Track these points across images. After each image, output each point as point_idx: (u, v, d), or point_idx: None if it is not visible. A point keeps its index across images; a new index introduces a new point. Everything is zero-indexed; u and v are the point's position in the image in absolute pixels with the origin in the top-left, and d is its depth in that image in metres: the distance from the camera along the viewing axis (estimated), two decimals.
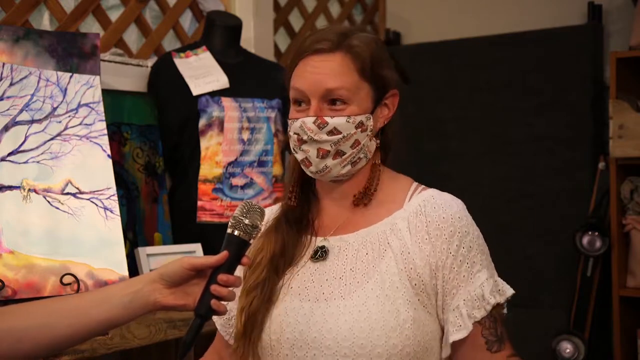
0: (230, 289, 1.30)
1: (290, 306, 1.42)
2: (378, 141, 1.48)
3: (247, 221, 1.30)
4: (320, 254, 1.45)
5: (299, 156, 1.44)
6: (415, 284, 1.38)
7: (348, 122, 1.41)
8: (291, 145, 1.46)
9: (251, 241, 1.32)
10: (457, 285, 1.39)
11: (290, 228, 1.49)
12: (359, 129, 1.42)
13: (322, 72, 1.41)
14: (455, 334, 1.38)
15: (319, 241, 1.48)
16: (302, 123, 1.41)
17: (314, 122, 1.40)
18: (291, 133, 1.44)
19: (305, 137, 1.41)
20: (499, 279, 1.45)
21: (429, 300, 1.39)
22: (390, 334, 1.35)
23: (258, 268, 1.46)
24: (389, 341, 1.34)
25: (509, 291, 1.43)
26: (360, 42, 1.43)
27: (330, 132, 1.40)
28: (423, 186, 1.50)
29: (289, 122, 1.46)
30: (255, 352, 1.43)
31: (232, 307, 1.50)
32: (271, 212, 1.54)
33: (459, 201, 1.46)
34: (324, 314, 1.38)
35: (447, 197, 1.46)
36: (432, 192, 1.47)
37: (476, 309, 1.38)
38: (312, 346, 1.37)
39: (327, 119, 1.40)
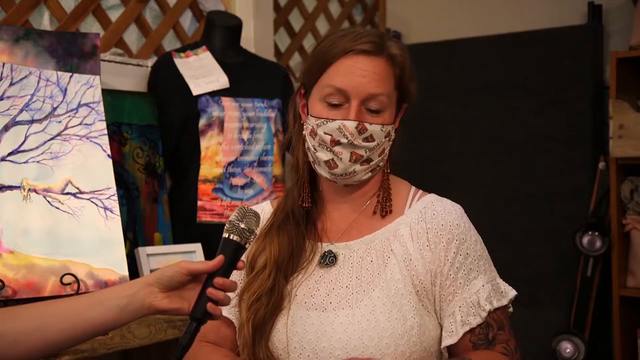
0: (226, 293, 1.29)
1: (297, 315, 1.41)
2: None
3: (243, 225, 1.30)
4: (330, 259, 1.44)
5: (325, 156, 1.41)
6: (419, 290, 1.39)
7: (382, 130, 1.41)
8: (314, 143, 1.42)
9: (247, 245, 1.32)
10: (453, 292, 1.40)
11: (298, 231, 1.47)
12: (387, 139, 1.42)
13: (368, 75, 1.39)
14: (447, 340, 1.40)
15: (324, 246, 1.46)
16: (342, 125, 1.38)
17: (356, 127, 1.38)
18: (321, 132, 1.41)
19: (343, 140, 1.39)
20: (501, 280, 1.44)
21: (431, 306, 1.40)
22: (399, 341, 1.35)
23: (262, 272, 1.44)
24: (397, 348, 1.35)
25: (511, 292, 1.44)
26: (400, 52, 1.43)
27: (366, 139, 1.39)
28: (422, 191, 1.50)
29: (317, 120, 1.41)
30: None
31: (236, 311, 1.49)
32: (262, 211, 1.52)
33: (458, 206, 1.46)
34: (333, 323, 1.38)
35: (446, 203, 1.46)
36: (432, 197, 1.47)
37: (471, 316, 1.39)
38: (320, 356, 1.36)
39: (367, 125, 1.39)
